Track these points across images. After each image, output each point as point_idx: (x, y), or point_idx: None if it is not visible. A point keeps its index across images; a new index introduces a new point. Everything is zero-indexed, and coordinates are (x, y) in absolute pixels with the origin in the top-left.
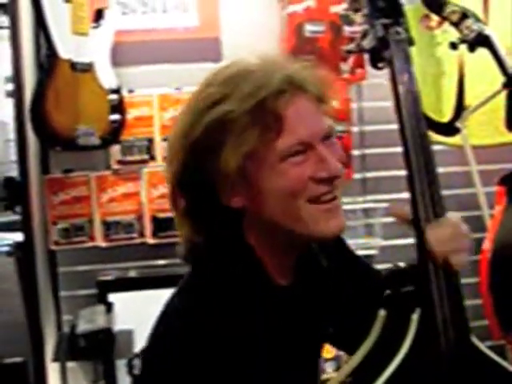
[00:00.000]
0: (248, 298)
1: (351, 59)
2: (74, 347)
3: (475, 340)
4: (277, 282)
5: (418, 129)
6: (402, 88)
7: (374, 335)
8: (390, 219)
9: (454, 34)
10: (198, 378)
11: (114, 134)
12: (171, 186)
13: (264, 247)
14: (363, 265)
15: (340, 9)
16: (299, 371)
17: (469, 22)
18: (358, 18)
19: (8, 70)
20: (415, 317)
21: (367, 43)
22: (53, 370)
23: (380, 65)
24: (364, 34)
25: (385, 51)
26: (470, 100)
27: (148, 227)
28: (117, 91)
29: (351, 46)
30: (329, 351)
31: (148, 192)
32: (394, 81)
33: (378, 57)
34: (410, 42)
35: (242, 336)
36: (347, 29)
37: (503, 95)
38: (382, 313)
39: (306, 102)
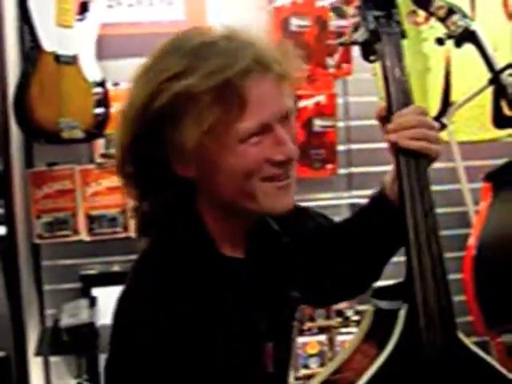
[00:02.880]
0: (196, 270)
1: (337, 54)
2: (57, 341)
3: (461, 335)
4: (229, 253)
5: None
6: (393, 81)
7: (361, 332)
8: None
9: (440, 30)
10: (149, 354)
11: (98, 127)
12: (121, 152)
13: (215, 218)
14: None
15: (326, 3)
16: (265, 341)
17: (455, 17)
18: (349, 10)
19: None
20: (402, 312)
21: (359, 36)
22: (35, 365)
23: (372, 58)
24: (356, 27)
25: (377, 44)
26: (456, 96)
27: (132, 221)
28: (101, 84)
29: (343, 39)
30: (313, 347)
31: None
32: (385, 74)
33: (369, 49)
34: (403, 34)
35: (190, 309)
36: (333, 23)
37: (489, 91)
38: (371, 308)
39: (269, 82)
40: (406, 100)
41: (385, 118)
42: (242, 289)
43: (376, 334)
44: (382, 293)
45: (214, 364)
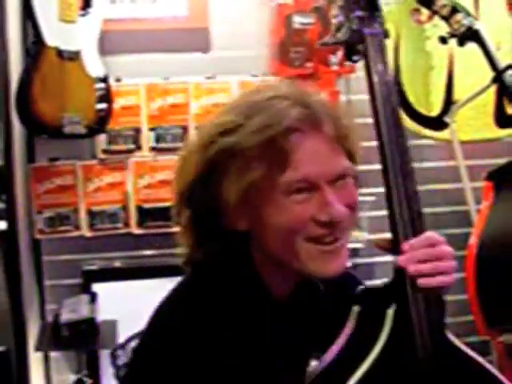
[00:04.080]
0: (245, 309)
1: (340, 51)
2: (57, 337)
3: (450, 336)
4: (275, 298)
5: (394, 125)
6: (377, 81)
7: (347, 332)
8: (377, 213)
9: (443, 28)
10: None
11: (100, 122)
12: (178, 197)
13: (266, 267)
14: None
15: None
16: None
17: (459, 16)
18: (333, 10)
19: None
20: (390, 312)
21: (342, 36)
22: (35, 360)
23: (355, 58)
24: (339, 27)
25: (360, 44)
26: (458, 95)
27: (133, 217)
28: (104, 80)
29: (326, 39)
30: None
31: (134, 182)
32: (368, 74)
33: (353, 50)
34: (386, 34)
35: (234, 344)
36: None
37: (492, 90)
38: (356, 309)
39: (318, 140)
40: (391, 102)
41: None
42: (282, 332)
43: (362, 334)
44: (368, 293)
45: None
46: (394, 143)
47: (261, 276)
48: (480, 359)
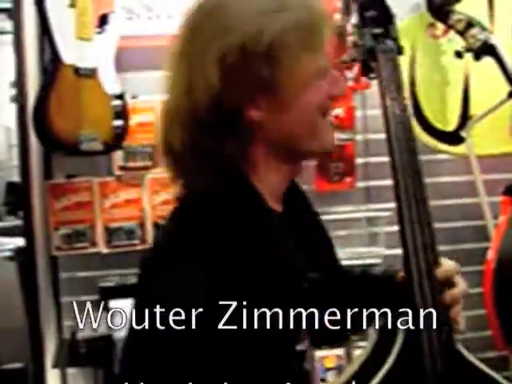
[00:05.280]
0: (245, 214)
1: (356, 67)
2: (74, 353)
3: (460, 347)
4: (271, 206)
5: (406, 142)
6: (390, 97)
7: (369, 345)
8: (394, 228)
9: (459, 43)
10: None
11: (116, 139)
12: (174, 119)
13: (268, 167)
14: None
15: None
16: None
17: (474, 30)
18: (349, 27)
19: (12, 76)
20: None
21: (357, 53)
22: (53, 376)
23: (372, 75)
24: (355, 44)
25: (374, 62)
26: (475, 109)
27: (150, 234)
28: (120, 97)
29: (344, 57)
30: (330, 361)
31: (150, 198)
32: (381, 91)
33: (369, 67)
34: (399, 51)
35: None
36: (350, 38)
37: (509, 104)
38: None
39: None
40: (404, 119)
41: None
42: (284, 241)
43: (382, 347)
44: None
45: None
46: (405, 164)
47: (257, 186)
48: (491, 372)
